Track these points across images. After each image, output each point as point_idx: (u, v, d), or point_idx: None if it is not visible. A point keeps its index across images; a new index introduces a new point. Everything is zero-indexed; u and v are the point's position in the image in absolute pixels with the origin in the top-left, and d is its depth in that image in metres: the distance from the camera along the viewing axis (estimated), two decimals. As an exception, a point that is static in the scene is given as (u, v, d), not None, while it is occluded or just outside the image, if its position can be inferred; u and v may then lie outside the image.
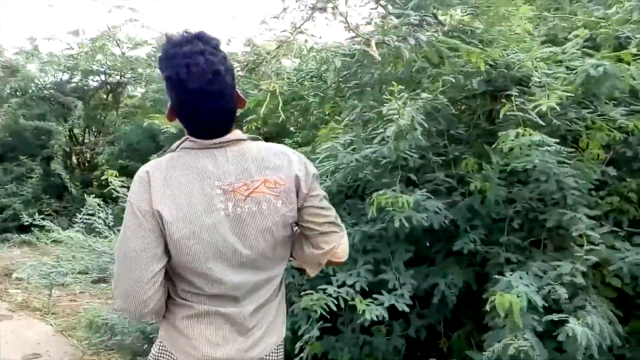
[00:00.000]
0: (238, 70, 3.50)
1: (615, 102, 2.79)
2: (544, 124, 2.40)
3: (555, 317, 2.08)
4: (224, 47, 1.41)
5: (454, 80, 2.56)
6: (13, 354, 4.05)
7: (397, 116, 2.29)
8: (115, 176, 4.11)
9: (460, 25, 2.59)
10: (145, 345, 3.54)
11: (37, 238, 6.02)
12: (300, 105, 3.68)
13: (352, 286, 2.43)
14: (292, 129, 5.09)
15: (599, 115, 2.66)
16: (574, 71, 2.50)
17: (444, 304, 2.59)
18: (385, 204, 2.34)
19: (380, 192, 2.42)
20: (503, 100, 2.60)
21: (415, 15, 2.43)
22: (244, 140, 1.48)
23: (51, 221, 8.52)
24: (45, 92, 9.67)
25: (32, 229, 6.11)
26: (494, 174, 2.49)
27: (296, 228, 1.59)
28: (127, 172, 8.74)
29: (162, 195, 1.38)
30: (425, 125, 2.38)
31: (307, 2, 2.71)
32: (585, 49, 2.78)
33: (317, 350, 2.49)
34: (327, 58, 2.40)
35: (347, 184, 2.80)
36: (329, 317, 2.35)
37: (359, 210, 2.75)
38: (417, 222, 2.36)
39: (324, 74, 3.50)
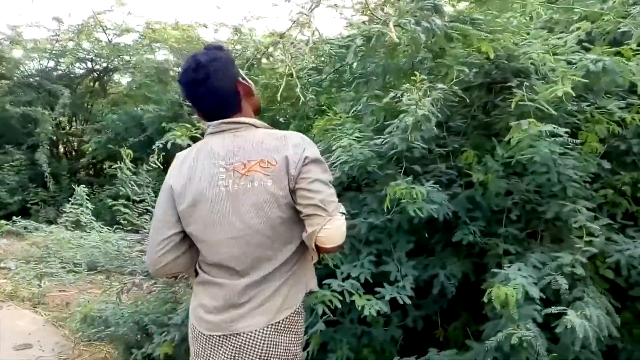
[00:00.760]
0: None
1: (609, 95, 2.81)
2: (553, 112, 2.40)
3: (554, 309, 2.10)
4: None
5: (466, 71, 2.57)
6: (4, 344, 4.02)
7: (415, 106, 2.29)
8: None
9: (462, 16, 2.59)
10: (139, 336, 3.53)
11: (24, 228, 5.95)
12: (291, 95, 3.65)
13: (357, 278, 2.43)
14: (281, 119, 5.06)
15: (597, 108, 2.68)
16: (574, 66, 2.51)
17: (442, 294, 2.60)
18: (400, 195, 2.34)
19: (395, 182, 2.41)
20: (509, 92, 2.60)
21: (429, 2, 2.44)
22: (253, 125, 1.67)
23: (38, 211, 8.50)
24: (31, 79, 9.53)
25: (18, 219, 6.02)
26: (498, 166, 2.50)
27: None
28: (116, 160, 8.70)
29: (177, 172, 1.66)
30: (440, 115, 2.39)
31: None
32: (584, 43, 2.79)
33: (316, 342, 2.50)
34: (343, 42, 2.40)
35: (355, 176, 2.78)
36: (331, 309, 2.35)
37: (360, 201, 2.75)
38: (426, 213, 2.36)
39: (320, 65, 3.48)
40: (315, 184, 1.57)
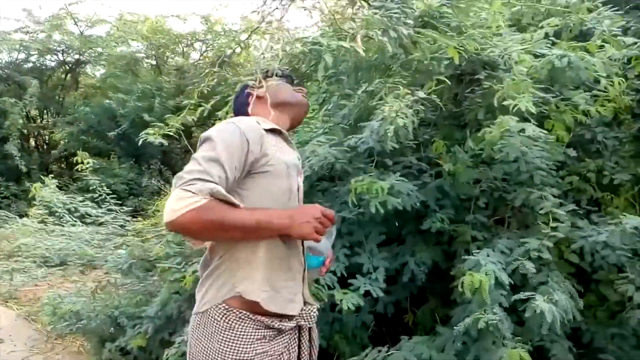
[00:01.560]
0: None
1: (576, 86, 2.88)
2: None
3: (522, 295, 2.17)
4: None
5: (430, 68, 2.60)
6: (-25, 340, 3.97)
7: (395, 115, 2.31)
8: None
9: (431, 11, 2.62)
10: (112, 329, 3.51)
11: (-6, 221, 5.87)
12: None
13: (334, 272, 2.47)
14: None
15: (562, 100, 2.75)
16: (540, 59, 2.57)
17: (412, 281, 2.65)
18: (362, 191, 2.38)
19: (358, 178, 2.45)
20: (478, 84, 2.65)
21: (396, 9, 2.46)
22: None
23: (9, 205, 8.35)
24: (0, 71, 9.34)
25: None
26: (467, 158, 2.56)
27: None
28: (89, 152, 8.60)
29: None
30: (416, 120, 2.43)
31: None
32: (550, 38, 2.85)
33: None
34: (314, 51, 2.39)
35: (323, 171, 2.82)
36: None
37: (333, 193, 2.78)
38: (391, 207, 2.40)
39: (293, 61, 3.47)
40: (190, 162, 1.43)
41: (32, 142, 10.16)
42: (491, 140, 2.43)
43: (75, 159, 5.25)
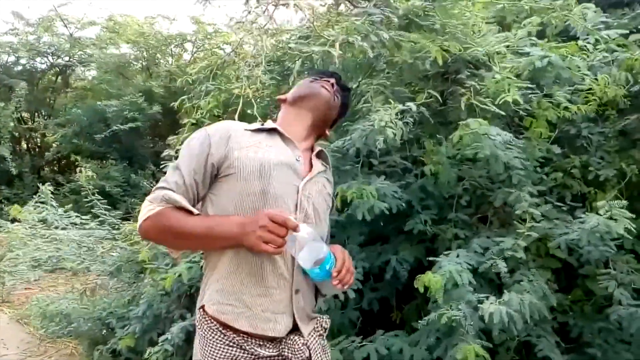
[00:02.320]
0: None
1: (558, 82, 2.90)
2: (501, 112, 2.49)
3: (481, 296, 2.22)
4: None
5: (414, 67, 2.61)
6: (-34, 344, 3.97)
7: (385, 126, 2.33)
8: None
9: (415, 9, 2.64)
10: (104, 331, 3.53)
11: (-13, 226, 5.84)
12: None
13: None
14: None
15: (544, 96, 2.77)
16: (522, 58, 2.60)
17: (395, 278, 2.68)
18: (352, 198, 2.40)
19: (345, 185, 2.46)
20: (457, 86, 2.67)
21: (378, 14, 2.48)
22: None
23: (1, 209, 8.31)
24: (-11, 75, 9.31)
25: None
26: (446, 160, 2.58)
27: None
28: (82, 155, 8.58)
29: None
30: (404, 128, 2.45)
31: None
32: (533, 37, 2.88)
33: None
34: (290, 55, 2.42)
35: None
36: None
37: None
38: (378, 211, 2.41)
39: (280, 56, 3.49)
40: (168, 170, 1.45)
41: (24, 145, 10.13)
42: (463, 142, 2.46)
43: (66, 161, 5.24)
